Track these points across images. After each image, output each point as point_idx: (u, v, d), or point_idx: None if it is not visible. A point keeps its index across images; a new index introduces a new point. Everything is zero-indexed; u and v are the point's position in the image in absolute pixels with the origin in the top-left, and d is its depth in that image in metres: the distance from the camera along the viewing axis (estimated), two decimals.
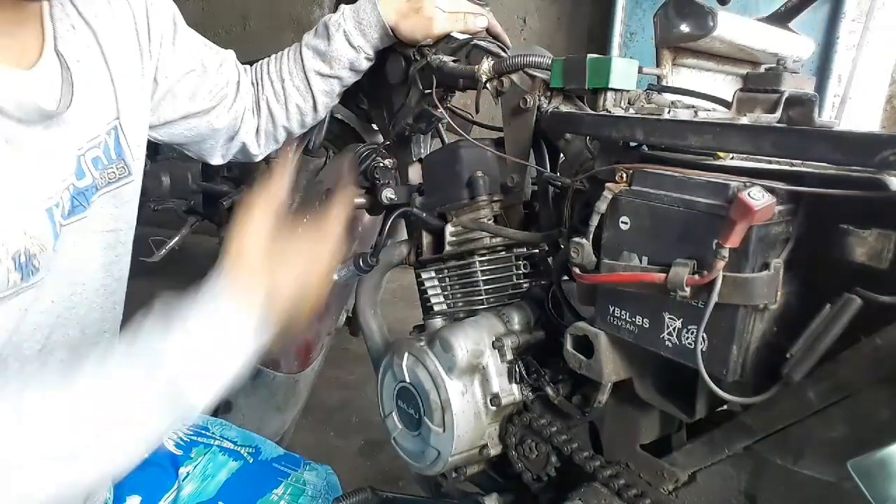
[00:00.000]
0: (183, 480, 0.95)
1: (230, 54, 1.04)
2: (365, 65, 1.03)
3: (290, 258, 0.71)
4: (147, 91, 0.88)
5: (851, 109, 2.88)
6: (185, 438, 1.01)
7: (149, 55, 0.87)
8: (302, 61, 1.03)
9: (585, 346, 0.72)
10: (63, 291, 0.75)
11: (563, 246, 0.83)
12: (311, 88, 1.04)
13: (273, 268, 0.69)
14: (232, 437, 1.05)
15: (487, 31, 1.00)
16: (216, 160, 1.07)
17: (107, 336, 0.86)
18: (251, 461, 1.02)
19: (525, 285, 0.93)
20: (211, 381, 0.65)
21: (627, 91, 0.81)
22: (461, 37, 0.97)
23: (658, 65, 0.83)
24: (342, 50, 1.00)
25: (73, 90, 0.72)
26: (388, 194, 1.00)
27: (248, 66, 1.08)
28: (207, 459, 0.99)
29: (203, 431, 1.04)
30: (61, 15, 0.74)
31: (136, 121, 0.85)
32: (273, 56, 1.08)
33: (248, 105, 1.05)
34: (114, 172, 0.81)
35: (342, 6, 1.02)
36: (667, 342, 0.63)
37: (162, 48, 0.89)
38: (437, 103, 0.95)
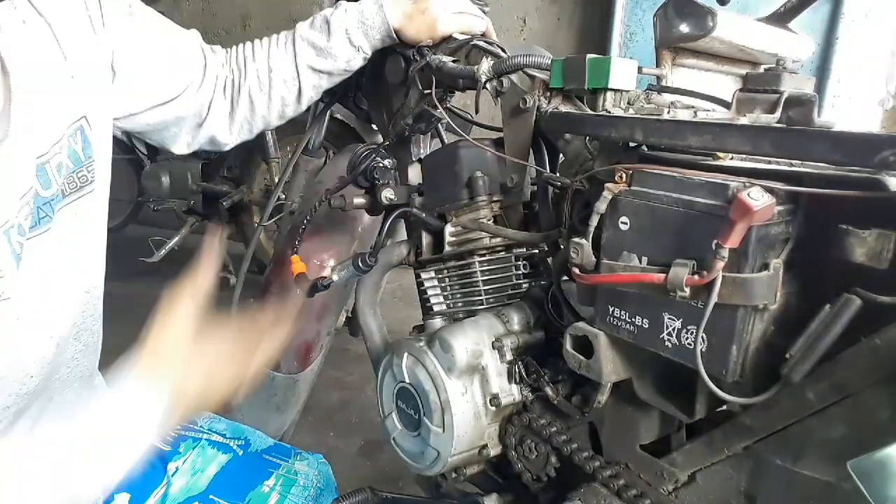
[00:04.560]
0: (172, 476, 0.94)
1: (195, 36, 0.98)
2: (360, 64, 1.02)
3: (207, 354, 0.71)
4: (108, 82, 0.83)
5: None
6: (173, 433, 0.99)
7: (104, 42, 0.81)
8: (295, 53, 0.99)
9: (585, 346, 0.72)
10: (32, 307, 0.73)
11: (562, 246, 0.82)
12: (299, 81, 1.01)
13: (188, 361, 0.69)
14: (221, 430, 1.04)
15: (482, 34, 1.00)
16: (180, 149, 1.01)
17: (82, 350, 0.85)
18: (241, 453, 1.01)
19: (524, 285, 0.93)
20: (104, 460, 0.66)
21: (627, 91, 0.81)
22: (461, 37, 0.97)
23: (658, 65, 0.83)
24: (341, 47, 0.98)
25: (12, 101, 0.67)
26: (387, 194, 1.00)
27: (216, 48, 1.02)
28: (196, 453, 0.98)
29: (191, 425, 1.02)
30: (9, 9, 0.69)
31: (102, 116, 0.81)
32: (258, 41, 1.02)
33: (217, 90, 0.99)
34: (85, 176, 0.77)
35: (343, 3, 1.00)
36: (666, 342, 0.63)
37: (118, 34, 0.83)
38: (437, 103, 0.95)
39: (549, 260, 0.90)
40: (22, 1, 0.71)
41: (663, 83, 0.83)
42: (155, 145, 1.01)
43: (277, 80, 1.01)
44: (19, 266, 0.68)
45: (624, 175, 0.66)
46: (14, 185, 0.67)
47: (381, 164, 1.01)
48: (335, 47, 0.99)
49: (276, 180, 2.77)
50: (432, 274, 0.99)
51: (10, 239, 0.67)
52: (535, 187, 0.92)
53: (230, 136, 1.05)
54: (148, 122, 0.93)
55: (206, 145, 1.04)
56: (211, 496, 0.94)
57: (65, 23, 0.75)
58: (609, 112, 0.78)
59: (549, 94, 0.85)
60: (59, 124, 0.73)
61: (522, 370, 0.86)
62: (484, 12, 1.03)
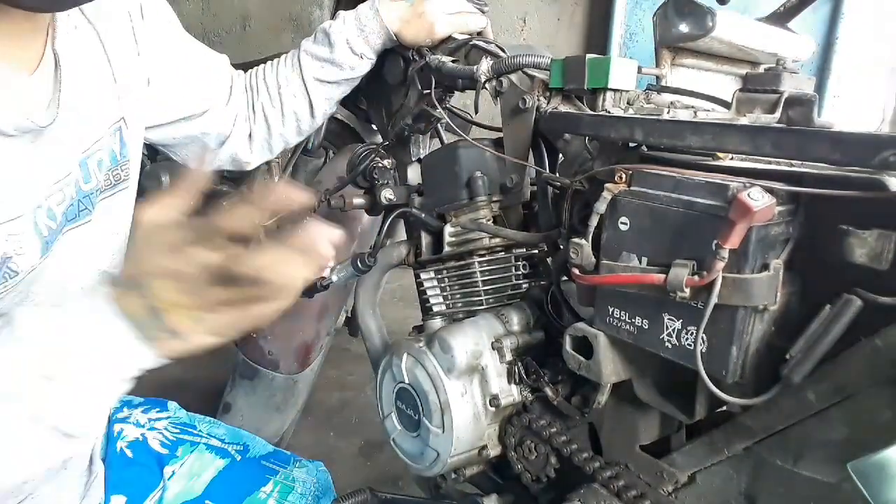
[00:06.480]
0: (168, 479, 0.94)
1: (223, 59, 1.03)
2: (367, 69, 1.04)
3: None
4: (143, 90, 0.88)
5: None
6: (171, 437, 0.99)
7: (144, 54, 0.86)
8: (300, 68, 1.03)
9: (585, 346, 0.72)
10: (52, 297, 0.72)
11: (562, 246, 0.82)
12: (308, 95, 1.04)
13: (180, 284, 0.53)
14: (219, 435, 1.04)
15: (479, 33, 1.01)
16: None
17: None
18: (239, 459, 1.01)
19: (524, 286, 0.93)
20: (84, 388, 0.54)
21: (627, 91, 0.81)
22: (460, 37, 0.97)
23: (657, 65, 0.83)
24: (344, 57, 1.00)
25: (61, 91, 0.69)
26: (386, 195, 1.00)
27: (241, 71, 1.07)
28: (194, 458, 0.98)
29: (189, 429, 1.02)
30: (63, 15, 0.73)
31: (137, 122, 0.85)
32: (269, 62, 1.07)
33: (240, 111, 1.04)
34: (119, 174, 0.80)
35: (341, 13, 1.01)
36: (666, 343, 0.63)
37: (156, 49, 0.88)
38: (436, 103, 0.95)
39: (549, 260, 0.90)
40: (74, 9, 0.75)
41: (663, 83, 0.83)
42: (179, 161, 1.04)
43: (287, 96, 1.04)
44: (50, 250, 0.69)
45: (624, 175, 0.66)
46: (52, 171, 0.69)
47: (380, 164, 1.01)
48: (338, 57, 1.01)
49: (276, 180, 2.77)
50: (432, 274, 0.99)
51: (37, 220, 0.67)
52: (535, 187, 0.91)
53: (250, 155, 1.08)
54: (174, 136, 0.97)
55: (227, 164, 1.07)
56: (207, 501, 0.94)
57: (111, 33, 0.80)
58: (609, 112, 0.78)
59: (548, 94, 0.84)
60: (102, 123, 0.77)
61: (522, 371, 0.86)
62: (483, 12, 1.03)
